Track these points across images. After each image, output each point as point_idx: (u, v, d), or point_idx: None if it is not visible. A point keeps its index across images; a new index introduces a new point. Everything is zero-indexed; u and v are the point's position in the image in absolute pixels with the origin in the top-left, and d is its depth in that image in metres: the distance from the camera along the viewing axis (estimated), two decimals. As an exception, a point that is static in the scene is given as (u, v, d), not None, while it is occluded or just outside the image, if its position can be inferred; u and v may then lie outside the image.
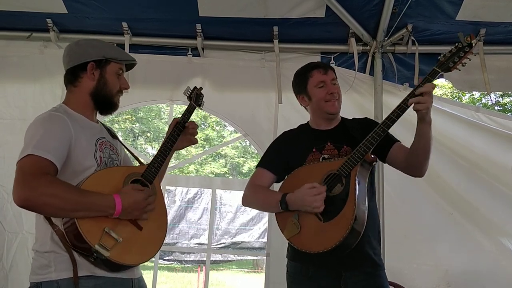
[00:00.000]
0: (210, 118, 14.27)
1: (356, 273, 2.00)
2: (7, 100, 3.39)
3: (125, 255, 1.61)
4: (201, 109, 2.09)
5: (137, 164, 1.96)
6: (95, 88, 1.79)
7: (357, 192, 1.90)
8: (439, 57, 1.89)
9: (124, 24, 3.26)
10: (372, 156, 1.97)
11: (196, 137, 2.03)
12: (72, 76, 1.81)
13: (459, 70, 1.89)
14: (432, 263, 3.12)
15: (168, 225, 1.85)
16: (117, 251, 1.58)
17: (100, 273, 1.61)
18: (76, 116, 1.76)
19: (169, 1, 3.05)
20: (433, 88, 1.83)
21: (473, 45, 1.83)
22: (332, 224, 1.89)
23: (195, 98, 2.01)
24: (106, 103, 1.84)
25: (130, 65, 1.93)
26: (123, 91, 1.88)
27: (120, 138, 2.05)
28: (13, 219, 3.20)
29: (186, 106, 2.01)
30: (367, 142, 1.91)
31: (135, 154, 2.11)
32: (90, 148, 1.71)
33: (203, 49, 3.38)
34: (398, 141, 2.12)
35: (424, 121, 1.86)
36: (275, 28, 3.21)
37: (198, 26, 3.22)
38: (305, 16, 3.08)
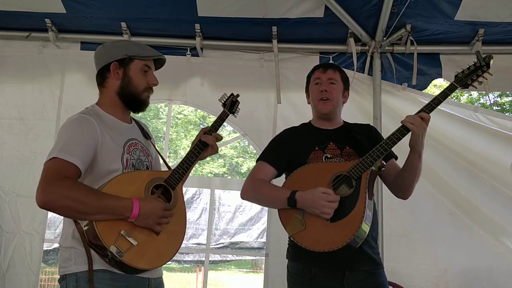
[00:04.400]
0: (209, 118, 14.24)
1: (358, 273, 2.00)
2: (5, 99, 3.38)
3: (139, 259, 1.62)
4: (235, 116, 2.05)
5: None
6: (121, 87, 1.81)
7: (367, 196, 1.89)
8: (456, 73, 1.95)
9: (123, 24, 3.26)
10: (383, 162, 1.96)
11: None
12: (100, 78, 1.85)
13: (476, 88, 1.96)
14: (431, 262, 3.12)
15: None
16: (131, 255, 1.59)
17: (116, 271, 1.63)
18: (106, 118, 1.79)
19: (168, 1, 3.04)
20: (427, 118, 1.88)
21: (490, 65, 1.89)
22: (340, 225, 1.87)
23: (229, 105, 1.99)
24: (133, 100, 1.84)
25: (160, 64, 1.93)
26: (153, 87, 1.87)
27: (153, 138, 2.04)
28: (11, 219, 3.20)
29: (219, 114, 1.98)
30: (380, 147, 1.91)
31: (163, 157, 2.06)
32: (117, 151, 1.73)
33: (202, 49, 3.37)
34: (396, 157, 2.15)
35: (414, 150, 1.92)
36: (274, 28, 3.20)
37: (197, 26, 3.22)
38: (304, 16, 3.08)
